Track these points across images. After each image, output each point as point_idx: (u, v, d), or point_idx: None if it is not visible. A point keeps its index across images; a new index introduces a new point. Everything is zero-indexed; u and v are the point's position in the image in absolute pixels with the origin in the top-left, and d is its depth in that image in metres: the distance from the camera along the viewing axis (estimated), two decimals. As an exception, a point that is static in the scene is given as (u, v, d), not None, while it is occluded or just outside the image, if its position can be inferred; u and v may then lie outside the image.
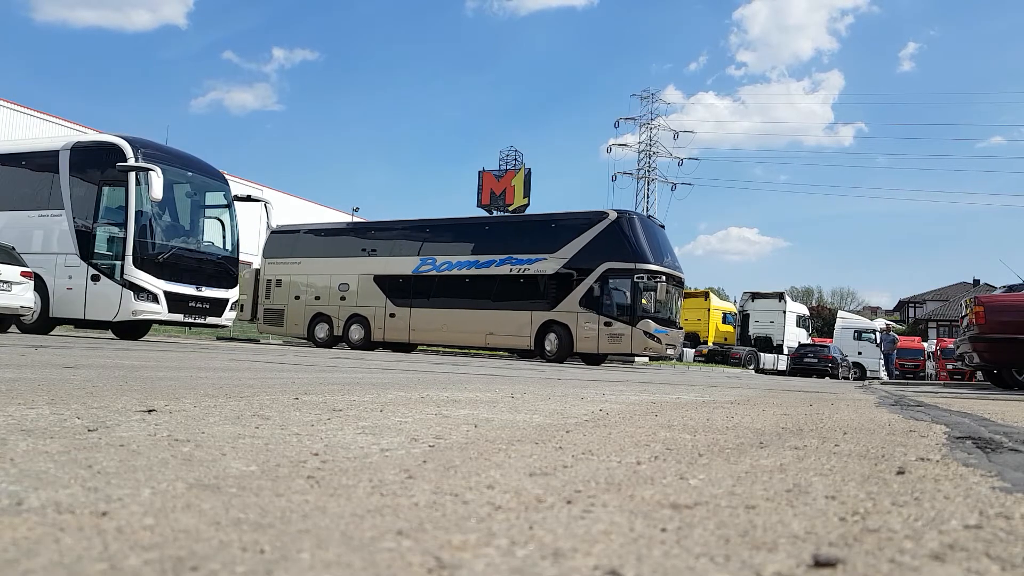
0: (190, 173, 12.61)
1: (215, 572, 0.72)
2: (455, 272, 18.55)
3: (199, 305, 11.96)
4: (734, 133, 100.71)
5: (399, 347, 20.04)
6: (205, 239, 12.80)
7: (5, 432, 1.56)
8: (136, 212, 11.26)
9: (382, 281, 19.58)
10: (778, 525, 1.03)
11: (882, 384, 14.98)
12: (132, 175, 11.25)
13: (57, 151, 12.11)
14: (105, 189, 11.65)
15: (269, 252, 21.28)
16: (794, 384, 10.57)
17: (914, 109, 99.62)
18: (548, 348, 16.83)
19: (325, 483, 1.20)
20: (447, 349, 21.69)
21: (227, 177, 13.83)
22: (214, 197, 13.18)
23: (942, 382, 21.92)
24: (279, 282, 20.96)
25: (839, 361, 26.63)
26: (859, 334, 30.08)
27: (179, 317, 11.71)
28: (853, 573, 0.82)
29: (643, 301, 16.00)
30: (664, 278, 16.18)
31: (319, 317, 20.27)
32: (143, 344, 10.59)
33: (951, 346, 20.43)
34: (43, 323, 11.69)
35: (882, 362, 26.95)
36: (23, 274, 10.90)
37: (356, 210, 47.44)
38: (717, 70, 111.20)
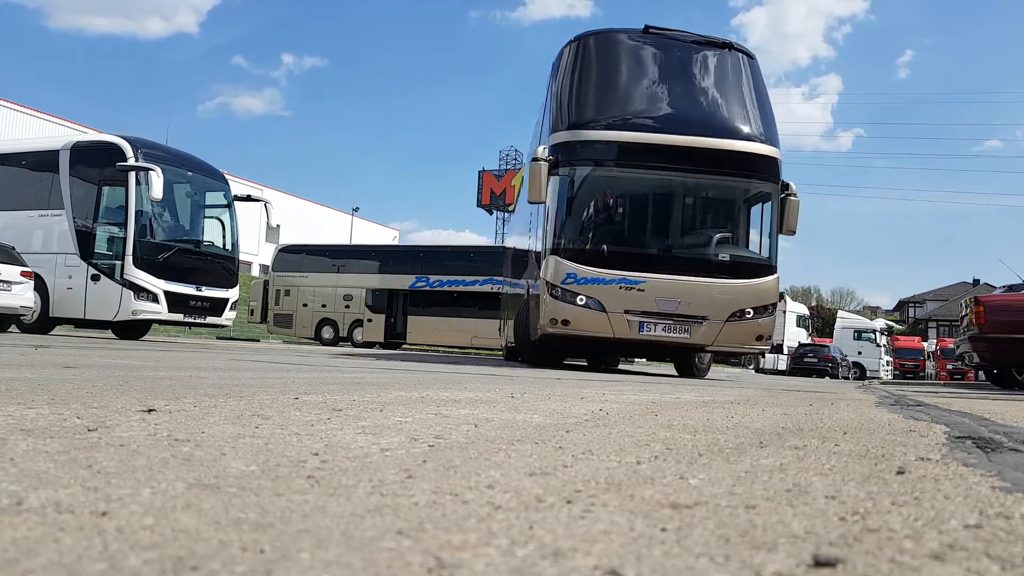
0: (190, 173, 12.62)
1: (215, 572, 0.72)
2: None
3: (199, 305, 11.97)
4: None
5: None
6: (205, 239, 12.82)
7: (5, 432, 1.56)
8: (136, 212, 11.28)
9: None
10: (778, 525, 1.03)
11: (882, 384, 14.97)
12: (132, 175, 11.26)
13: (57, 151, 12.12)
14: (105, 189, 11.66)
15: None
16: (794, 384, 10.57)
17: (912, 113, 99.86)
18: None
19: (325, 483, 1.20)
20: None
21: (227, 177, 13.85)
22: (214, 197, 13.20)
23: (942, 382, 21.91)
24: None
25: (839, 361, 26.68)
26: (859, 334, 30.15)
27: (179, 317, 11.72)
28: (853, 573, 0.82)
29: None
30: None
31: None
32: (143, 344, 10.59)
33: (951, 346, 20.42)
34: (43, 323, 11.70)
35: None
36: (23, 274, 10.91)
37: (356, 210, 47.52)
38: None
